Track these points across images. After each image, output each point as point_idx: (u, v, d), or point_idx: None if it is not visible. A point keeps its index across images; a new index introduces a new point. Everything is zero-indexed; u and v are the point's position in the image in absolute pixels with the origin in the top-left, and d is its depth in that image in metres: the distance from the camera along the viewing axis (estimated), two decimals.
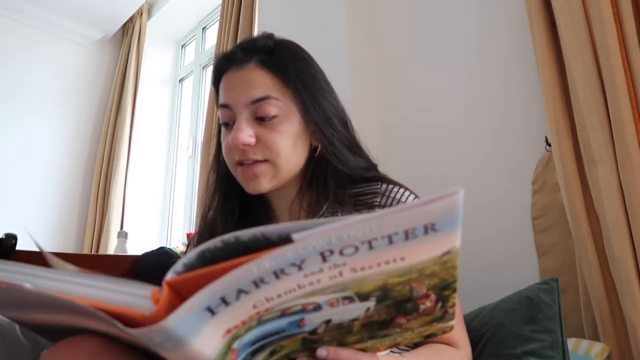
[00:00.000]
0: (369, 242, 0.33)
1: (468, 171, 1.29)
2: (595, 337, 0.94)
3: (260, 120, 0.70)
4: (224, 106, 0.72)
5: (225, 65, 0.74)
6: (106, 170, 2.85)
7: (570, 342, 0.88)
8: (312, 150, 0.75)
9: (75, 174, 2.94)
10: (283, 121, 0.70)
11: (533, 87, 1.16)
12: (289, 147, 0.70)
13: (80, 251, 2.80)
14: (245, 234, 0.35)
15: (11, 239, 1.14)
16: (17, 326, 0.96)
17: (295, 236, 0.31)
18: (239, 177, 0.73)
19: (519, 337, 0.78)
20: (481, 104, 1.30)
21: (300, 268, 0.33)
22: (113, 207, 2.71)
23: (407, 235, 0.33)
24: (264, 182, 0.70)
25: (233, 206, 0.78)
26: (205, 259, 0.35)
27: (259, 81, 0.70)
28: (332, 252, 0.32)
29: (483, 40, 1.33)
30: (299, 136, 0.72)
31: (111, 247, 2.61)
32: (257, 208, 0.79)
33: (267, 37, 0.75)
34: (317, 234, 0.31)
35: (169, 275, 0.34)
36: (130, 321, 0.34)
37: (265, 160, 0.70)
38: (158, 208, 2.94)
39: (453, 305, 0.43)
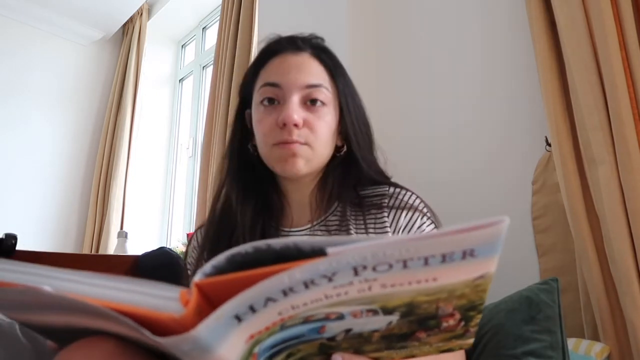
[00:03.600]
0: (404, 262, 0.32)
1: (468, 171, 1.29)
2: (595, 337, 0.94)
3: (311, 104, 0.73)
4: (274, 85, 0.73)
5: (281, 46, 0.77)
6: (106, 170, 2.85)
7: (570, 342, 0.88)
8: (335, 150, 0.78)
9: (75, 174, 2.94)
10: (328, 111, 0.74)
11: (533, 87, 1.16)
12: (328, 136, 0.74)
13: (80, 251, 2.80)
14: (278, 242, 0.34)
15: (11, 239, 1.14)
16: (17, 326, 0.96)
17: (330, 250, 0.31)
18: (275, 157, 0.72)
19: (519, 337, 0.78)
20: (481, 104, 1.30)
21: (330, 280, 0.33)
22: (113, 207, 2.71)
23: (444, 258, 0.32)
24: (300, 163, 0.71)
25: (251, 193, 0.77)
26: (235, 263, 0.34)
27: (315, 69, 0.74)
28: (365, 267, 0.32)
29: (483, 40, 1.33)
30: (334, 130, 0.76)
31: (111, 247, 2.61)
32: (272, 198, 0.79)
33: (320, 38, 0.81)
34: (352, 250, 0.31)
35: (198, 277, 0.34)
36: (155, 324, 0.34)
37: (306, 143, 0.72)
38: (158, 208, 2.94)
39: (475, 325, 0.42)
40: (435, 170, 1.37)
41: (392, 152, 1.48)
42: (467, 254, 0.32)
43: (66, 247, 2.80)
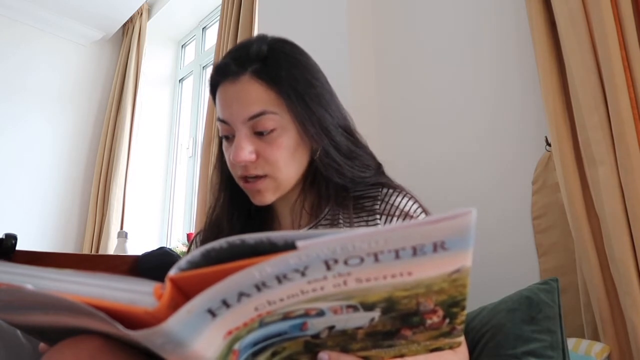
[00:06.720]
0: (375, 255, 0.32)
1: (468, 171, 1.29)
2: (595, 337, 0.94)
3: (259, 134, 0.69)
4: (222, 121, 0.71)
5: (219, 78, 0.73)
6: (106, 170, 2.86)
7: (570, 342, 0.88)
8: (314, 152, 0.74)
9: (75, 174, 2.94)
10: (281, 134, 0.69)
11: (533, 87, 1.16)
12: (288, 159, 0.70)
13: (80, 251, 2.80)
14: (251, 237, 0.34)
15: (11, 239, 1.14)
16: None
17: (299, 243, 0.31)
18: (244, 189, 0.73)
19: (519, 337, 0.79)
20: (481, 103, 1.30)
21: (303, 274, 0.33)
22: (113, 207, 2.71)
23: (415, 251, 0.32)
24: (268, 196, 0.71)
25: (239, 205, 0.78)
26: (210, 259, 0.35)
27: (254, 96, 0.68)
28: (336, 261, 0.32)
29: (483, 40, 1.33)
30: (298, 145, 0.71)
31: (111, 247, 2.61)
32: (261, 208, 0.78)
33: (261, 40, 0.72)
34: (321, 243, 0.31)
35: (173, 272, 0.34)
36: (133, 319, 0.34)
37: (266, 175, 0.69)
38: (158, 208, 2.94)
39: (462, 323, 0.42)
40: (434, 170, 1.37)
41: (391, 152, 1.49)
42: (438, 246, 0.32)
43: (66, 247, 2.80)
